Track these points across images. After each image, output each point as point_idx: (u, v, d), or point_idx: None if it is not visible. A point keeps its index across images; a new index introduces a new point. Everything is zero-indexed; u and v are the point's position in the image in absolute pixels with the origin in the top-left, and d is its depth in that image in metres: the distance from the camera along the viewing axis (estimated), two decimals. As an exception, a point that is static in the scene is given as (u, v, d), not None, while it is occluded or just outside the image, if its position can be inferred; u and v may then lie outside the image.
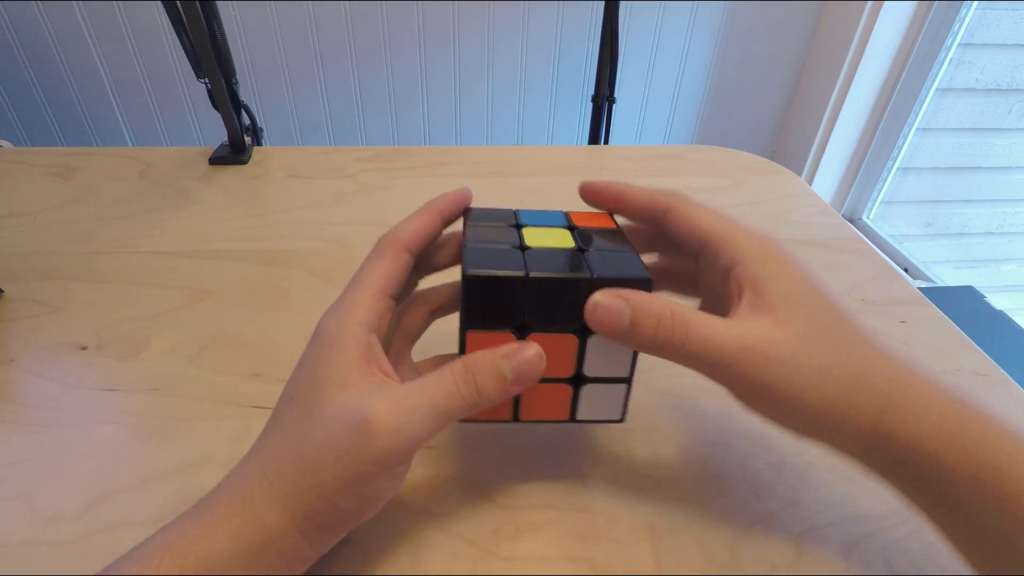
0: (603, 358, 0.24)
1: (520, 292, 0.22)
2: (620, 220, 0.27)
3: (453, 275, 0.29)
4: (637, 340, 0.22)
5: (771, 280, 0.22)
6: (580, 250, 0.24)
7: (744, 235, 0.24)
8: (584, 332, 0.23)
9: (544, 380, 0.23)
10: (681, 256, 0.28)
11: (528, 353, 0.22)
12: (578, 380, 0.24)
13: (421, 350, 0.28)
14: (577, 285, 0.22)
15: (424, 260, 0.27)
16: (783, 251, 0.24)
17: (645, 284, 0.22)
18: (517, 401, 0.25)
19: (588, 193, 0.28)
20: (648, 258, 0.29)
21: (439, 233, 0.26)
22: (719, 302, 0.25)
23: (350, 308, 0.23)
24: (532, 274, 0.22)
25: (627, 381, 0.25)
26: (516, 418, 0.25)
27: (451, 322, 0.29)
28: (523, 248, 0.24)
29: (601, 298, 0.22)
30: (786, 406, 0.21)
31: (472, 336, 0.23)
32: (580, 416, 0.25)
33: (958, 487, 0.20)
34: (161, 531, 0.20)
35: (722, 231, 0.24)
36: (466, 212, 0.27)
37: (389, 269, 0.24)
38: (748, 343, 0.21)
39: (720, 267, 0.24)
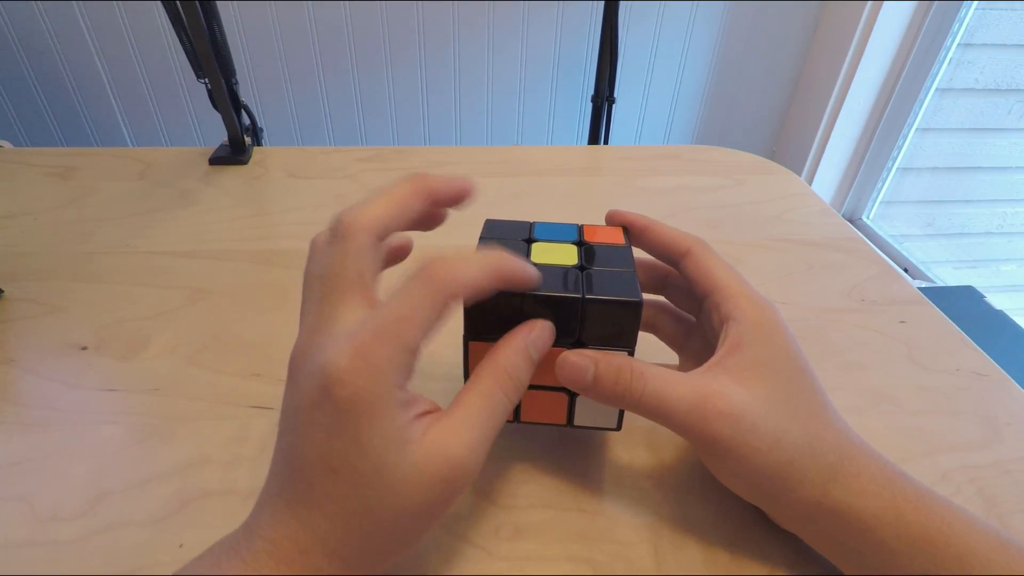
0: None
1: (517, 307, 0.23)
2: (637, 254, 0.28)
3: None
4: (599, 392, 0.23)
5: (753, 344, 0.23)
6: (581, 268, 0.25)
7: (748, 297, 0.25)
8: (578, 347, 0.24)
9: (543, 388, 0.25)
10: (684, 302, 0.30)
11: (537, 329, 0.23)
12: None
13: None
14: (570, 303, 0.23)
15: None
16: (778, 321, 0.25)
17: (635, 307, 0.23)
18: (518, 404, 0.26)
19: (613, 220, 0.29)
20: (653, 299, 0.31)
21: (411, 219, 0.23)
22: (700, 359, 0.26)
23: (370, 351, 0.19)
24: (528, 291, 0.23)
25: None
26: (517, 419, 0.26)
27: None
28: None
29: (570, 355, 0.23)
30: (737, 466, 0.22)
31: (474, 346, 0.24)
32: (577, 422, 0.26)
33: (896, 558, 0.21)
34: None
35: (730, 286, 0.25)
36: (485, 224, 0.28)
37: (374, 270, 0.21)
38: (705, 396, 0.22)
39: (717, 318, 0.25)
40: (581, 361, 0.23)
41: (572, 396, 0.25)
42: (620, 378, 0.23)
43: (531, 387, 0.25)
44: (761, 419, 0.22)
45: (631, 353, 0.24)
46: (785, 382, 0.23)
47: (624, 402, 0.23)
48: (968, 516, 0.21)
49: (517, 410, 0.26)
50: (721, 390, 0.22)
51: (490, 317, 0.23)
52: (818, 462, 0.22)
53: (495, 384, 0.21)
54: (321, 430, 0.19)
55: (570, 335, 0.24)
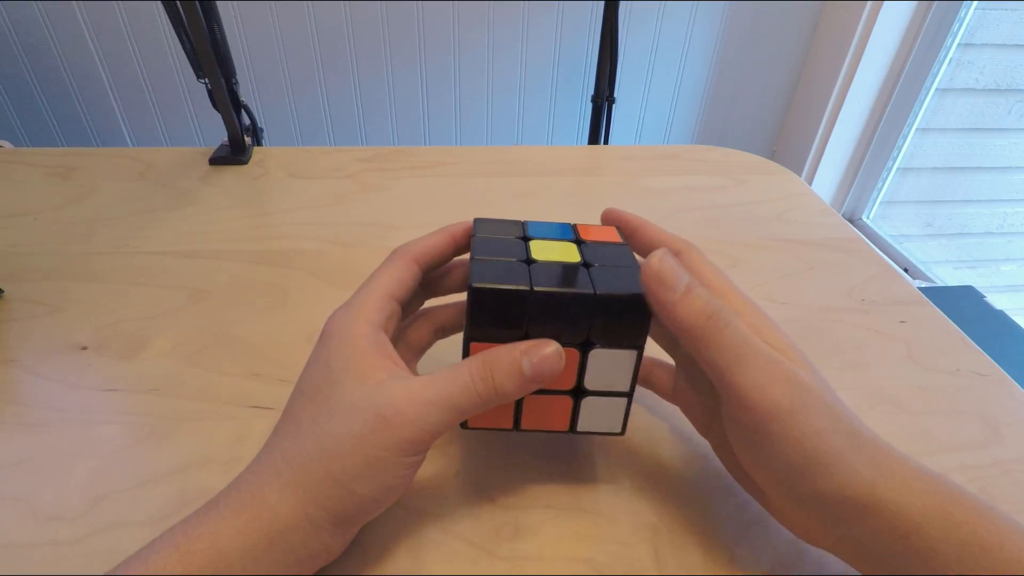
0: (604, 372, 0.24)
1: (524, 305, 0.22)
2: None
3: (458, 296, 0.29)
4: (681, 310, 0.21)
5: (768, 330, 0.23)
6: (585, 265, 0.24)
7: (740, 296, 0.24)
8: (586, 346, 0.23)
9: (545, 392, 0.24)
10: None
11: (547, 350, 0.22)
12: (579, 392, 0.24)
13: (426, 367, 0.28)
14: (579, 300, 0.22)
15: (433, 280, 0.28)
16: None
17: (646, 304, 0.22)
18: (518, 410, 0.25)
19: (609, 219, 0.29)
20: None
21: (450, 255, 0.27)
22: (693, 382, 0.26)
23: (359, 307, 0.24)
24: (536, 288, 0.22)
25: (628, 395, 0.25)
26: (517, 427, 0.25)
27: (456, 341, 0.29)
28: (529, 262, 0.24)
29: (665, 258, 0.21)
30: (786, 447, 0.20)
31: (475, 347, 0.23)
32: (580, 428, 0.25)
33: (940, 561, 0.19)
34: (168, 531, 0.20)
35: (722, 287, 0.24)
36: (474, 222, 0.27)
37: (397, 276, 0.25)
38: (778, 359, 0.21)
39: None
40: (677, 269, 0.21)
41: (577, 400, 0.24)
42: (710, 303, 0.21)
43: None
44: (822, 398, 0.21)
45: (641, 352, 0.23)
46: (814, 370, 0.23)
47: (703, 330, 0.21)
48: (1011, 519, 0.20)
49: (517, 418, 0.25)
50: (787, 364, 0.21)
51: (493, 316, 0.22)
52: (862, 456, 0.21)
53: (466, 366, 0.22)
54: (308, 365, 0.23)
55: (579, 333, 0.23)
